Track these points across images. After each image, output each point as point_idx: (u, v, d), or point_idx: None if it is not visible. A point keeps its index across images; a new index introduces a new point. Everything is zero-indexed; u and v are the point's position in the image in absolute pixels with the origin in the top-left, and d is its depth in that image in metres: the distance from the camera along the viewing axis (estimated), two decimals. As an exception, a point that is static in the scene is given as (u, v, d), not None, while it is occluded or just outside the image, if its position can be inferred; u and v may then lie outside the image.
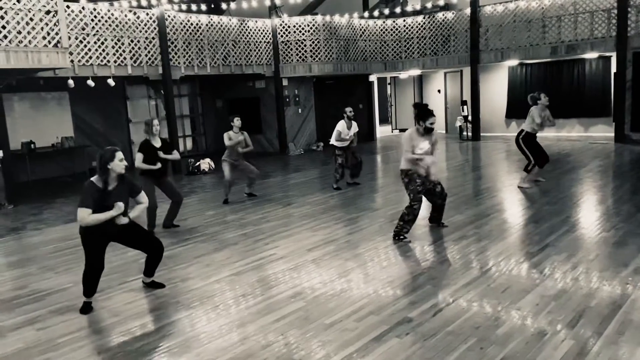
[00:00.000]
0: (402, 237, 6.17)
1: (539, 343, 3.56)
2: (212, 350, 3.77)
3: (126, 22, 12.14)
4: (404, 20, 17.44)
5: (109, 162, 4.41)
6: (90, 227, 4.48)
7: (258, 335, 3.94)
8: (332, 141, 9.63)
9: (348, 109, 9.59)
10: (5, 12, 8.31)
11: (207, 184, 11.56)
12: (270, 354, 3.65)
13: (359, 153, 10.15)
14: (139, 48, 12.44)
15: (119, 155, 4.47)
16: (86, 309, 4.64)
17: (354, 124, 9.60)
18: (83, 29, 11.33)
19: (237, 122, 8.74)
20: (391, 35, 17.67)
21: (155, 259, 5.01)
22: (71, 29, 10.94)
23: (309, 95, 17.26)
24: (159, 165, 6.99)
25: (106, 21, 11.74)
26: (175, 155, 7.29)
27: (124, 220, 4.54)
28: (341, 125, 9.46)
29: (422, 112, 5.93)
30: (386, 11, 16.93)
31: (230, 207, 8.72)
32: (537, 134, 8.74)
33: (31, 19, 8.58)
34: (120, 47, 12.03)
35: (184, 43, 13.48)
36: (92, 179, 4.50)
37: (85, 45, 11.35)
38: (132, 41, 12.27)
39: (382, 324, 4.00)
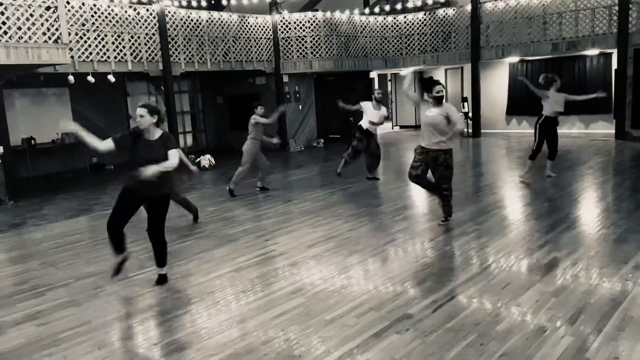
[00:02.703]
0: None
1: (539, 339, 3.57)
2: (213, 346, 3.78)
3: (126, 18, 12.12)
4: (405, 17, 17.41)
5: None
6: (129, 184, 4.81)
7: (258, 331, 3.95)
8: (365, 123, 9.53)
9: (377, 90, 9.74)
10: (6, 8, 8.29)
11: (208, 180, 11.56)
12: (271, 349, 3.66)
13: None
14: (139, 44, 12.42)
15: (137, 111, 4.73)
16: (117, 268, 5.04)
17: (383, 108, 9.59)
18: (83, 25, 11.32)
19: (260, 110, 9.27)
20: (392, 31, 17.64)
21: (155, 249, 5.09)
22: (71, 25, 10.92)
23: (310, 92, 17.24)
24: None
25: (106, 17, 11.72)
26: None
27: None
28: (368, 105, 9.46)
29: (427, 84, 6.20)
30: (387, 7, 16.91)
31: (231, 204, 8.73)
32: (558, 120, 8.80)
33: (31, 15, 8.57)
34: (120, 43, 12.01)
35: (184, 39, 13.46)
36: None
37: (85, 41, 11.34)
38: (132, 37, 12.25)
39: (382, 320, 4.00)
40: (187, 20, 13.55)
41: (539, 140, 8.76)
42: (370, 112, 9.45)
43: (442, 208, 6.55)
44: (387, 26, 17.63)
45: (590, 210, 7.07)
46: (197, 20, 13.77)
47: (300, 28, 15.66)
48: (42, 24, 8.67)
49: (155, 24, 12.65)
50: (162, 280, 5.13)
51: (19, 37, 8.42)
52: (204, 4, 13.86)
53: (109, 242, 4.98)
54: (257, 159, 9.27)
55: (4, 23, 8.32)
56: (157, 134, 4.80)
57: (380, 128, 10.07)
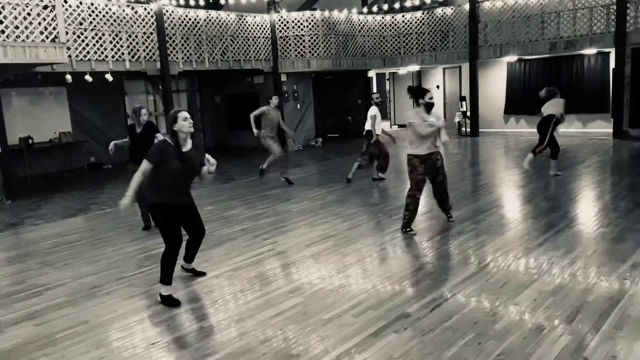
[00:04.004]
0: (408, 229, 6.20)
1: (537, 338, 3.57)
2: (211, 345, 3.78)
3: (124, 17, 12.09)
4: (403, 16, 17.39)
5: (174, 124, 4.40)
6: (155, 202, 4.51)
7: (256, 331, 3.95)
8: (378, 130, 9.48)
9: (375, 94, 9.74)
10: (3, 7, 8.27)
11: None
12: (269, 349, 3.66)
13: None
14: (137, 43, 12.39)
15: (182, 115, 4.43)
16: (173, 301, 4.51)
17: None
18: (81, 24, 11.29)
19: (275, 100, 9.80)
20: (390, 30, 17.63)
21: (196, 245, 5.06)
22: (69, 24, 10.89)
23: (308, 91, 17.23)
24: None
25: (104, 16, 11.69)
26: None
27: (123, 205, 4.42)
28: (376, 110, 9.45)
29: (418, 92, 6.10)
30: (385, 6, 16.90)
31: (228, 203, 8.73)
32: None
33: (29, 14, 8.54)
34: (118, 42, 11.98)
35: (182, 38, 13.44)
36: (166, 138, 4.51)
37: (82, 40, 11.30)
38: (130, 36, 12.23)
39: (381, 319, 4.01)
40: (185, 19, 13.52)
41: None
42: (379, 119, 9.49)
43: (447, 206, 6.59)
44: (385, 25, 17.62)
45: (588, 209, 7.08)
46: (195, 19, 13.75)
47: (299, 27, 15.64)
48: (39, 23, 8.64)
49: (153, 23, 12.62)
50: (199, 273, 5.25)
51: (17, 36, 8.39)
52: (202, 3, 13.83)
53: (167, 268, 4.55)
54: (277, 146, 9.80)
55: (1, 22, 8.30)
56: (190, 144, 4.57)
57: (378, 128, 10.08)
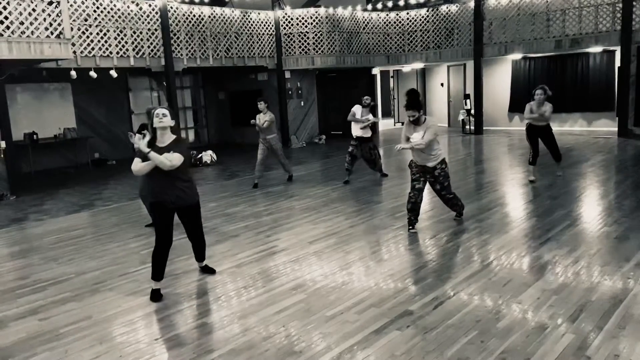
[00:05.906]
0: (410, 227, 6.26)
1: (540, 337, 3.57)
2: (214, 341, 3.79)
3: (128, 13, 12.10)
4: (407, 13, 17.36)
5: (152, 123, 4.56)
6: (152, 201, 4.65)
7: (259, 327, 3.96)
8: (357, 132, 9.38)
9: (365, 98, 9.52)
10: (8, 3, 8.29)
11: (209, 176, 11.57)
12: (271, 345, 3.67)
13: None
14: (142, 39, 12.41)
15: (153, 112, 4.54)
16: (156, 296, 4.62)
17: (370, 114, 9.42)
18: (85, 20, 11.30)
19: (260, 105, 9.34)
20: (394, 28, 17.59)
21: (197, 248, 5.16)
22: (73, 20, 10.91)
23: (312, 88, 17.22)
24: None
25: (108, 12, 11.70)
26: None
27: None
28: (356, 107, 9.32)
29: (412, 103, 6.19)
30: (389, 4, 16.86)
31: (231, 200, 8.74)
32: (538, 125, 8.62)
33: (33, 10, 8.57)
34: (122, 39, 12.00)
35: (186, 35, 13.44)
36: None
37: (87, 37, 11.33)
38: (134, 32, 12.24)
39: (383, 316, 4.01)
40: (189, 15, 13.53)
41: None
42: (358, 113, 9.34)
43: (454, 209, 6.61)
44: (389, 22, 17.58)
45: (592, 208, 7.05)
46: (200, 15, 13.75)
47: (303, 24, 15.63)
48: (44, 19, 8.67)
49: (157, 19, 12.63)
50: (209, 269, 5.25)
51: (22, 32, 8.42)
52: (206, -1, 13.84)
53: (156, 265, 4.63)
54: (272, 153, 9.59)
55: (6, 18, 8.32)
56: (169, 139, 4.60)
57: (382, 125, 9.99)
